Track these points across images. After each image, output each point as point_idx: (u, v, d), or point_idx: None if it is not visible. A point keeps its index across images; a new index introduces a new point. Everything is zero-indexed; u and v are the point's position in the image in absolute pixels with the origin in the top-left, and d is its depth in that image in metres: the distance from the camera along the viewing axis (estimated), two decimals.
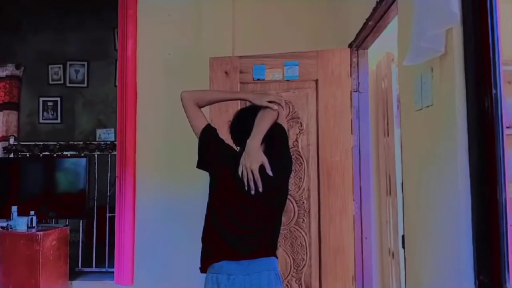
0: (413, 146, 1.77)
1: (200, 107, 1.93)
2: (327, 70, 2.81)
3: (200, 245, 1.84)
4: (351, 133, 2.81)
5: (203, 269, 1.80)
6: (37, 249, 3.34)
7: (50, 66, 5.91)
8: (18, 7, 5.62)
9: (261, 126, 1.82)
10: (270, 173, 1.76)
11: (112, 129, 5.33)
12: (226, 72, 2.91)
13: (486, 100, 1.30)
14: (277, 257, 1.84)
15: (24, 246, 3.38)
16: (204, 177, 1.90)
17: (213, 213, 1.83)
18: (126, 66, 3.52)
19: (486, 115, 1.30)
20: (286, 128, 1.96)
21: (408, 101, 1.76)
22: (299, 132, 2.82)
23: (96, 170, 4.08)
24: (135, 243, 3.46)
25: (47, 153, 4.30)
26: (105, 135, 5.52)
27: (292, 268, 2.79)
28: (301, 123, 2.82)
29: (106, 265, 3.88)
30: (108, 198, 4.06)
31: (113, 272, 3.53)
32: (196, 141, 1.88)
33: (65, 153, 4.27)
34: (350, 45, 2.86)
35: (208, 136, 1.86)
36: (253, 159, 1.75)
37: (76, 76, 5.93)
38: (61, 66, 5.90)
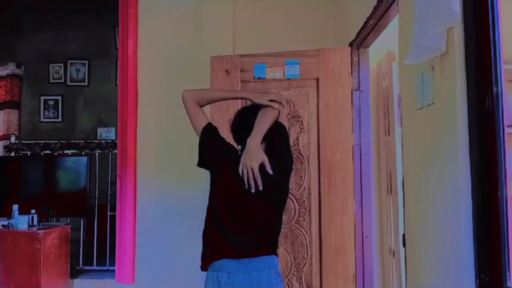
0: (414, 145, 1.77)
1: (201, 106, 1.92)
2: (328, 68, 2.81)
3: (201, 243, 1.84)
4: (352, 132, 2.81)
5: (204, 267, 1.81)
6: (38, 248, 3.34)
7: (51, 65, 5.91)
8: (19, 6, 5.62)
9: (261, 125, 1.82)
10: (271, 172, 1.76)
11: (113, 128, 5.33)
12: (226, 71, 2.91)
13: (487, 98, 1.30)
14: (277, 256, 1.84)
15: (25, 245, 3.38)
16: (204, 175, 1.90)
17: (213, 212, 1.83)
18: (127, 65, 3.52)
19: (487, 113, 1.30)
20: (287, 127, 1.96)
21: (409, 99, 1.76)
22: (300, 130, 2.82)
23: (97, 168, 4.09)
24: (136, 241, 3.46)
25: (48, 151, 4.31)
26: (106, 133, 5.52)
27: (293, 266, 2.79)
28: (301, 121, 2.82)
29: (107, 264, 3.89)
30: (109, 196, 4.07)
31: (114, 270, 3.54)
32: (197, 139, 1.88)
33: (66, 151, 4.27)
34: (351, 44, 2.86)
35: (208, 134, 1.86)
36: (253, 157, 1.75)
37: (77, 75, 5.93)
38: (62, 65, 5.90)
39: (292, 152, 2.17)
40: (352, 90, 2.82)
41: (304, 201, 2.80)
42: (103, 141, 4.46)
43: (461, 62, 1.36)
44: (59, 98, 5.91)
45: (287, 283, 2.76)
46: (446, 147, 1.43)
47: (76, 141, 4.47)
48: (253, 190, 1.75)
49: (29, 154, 4.38)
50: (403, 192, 1.92)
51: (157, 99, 3.49)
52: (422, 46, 1.43)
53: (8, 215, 3.61)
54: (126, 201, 3.46)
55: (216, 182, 1.85)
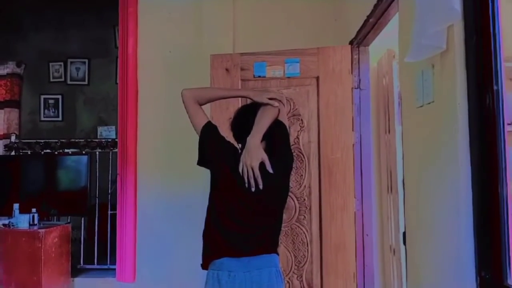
0: (414, 143, 1.77)
1: (201, 104, 1.92)
2: (328, 67, 2.81)
3: (201, 242, 1.85)
4: (352, 130, 2.81)
5: (204, 266, 1.81)
6: (39, 247, 3.35)
7: (51, 64, 5.90)
8: (19, 5, 5.61)
9: (261, 123, 1.82)
10: (270, 170, 1.76)
11: (113, 127, 5.33)
12: (226, 69, 2.91)
13: (487, 96, 1.30)
14: (278, 254, 1.85)
15: (26, 244, 3.38)
16: (205, 174, 1.90)
17: (214, 210, 1.83)
18: (127, 63, 3.52)
19: (487, 111, 1.30)
20: (287, 125, 1.96)
21: (409, 98, 1.76)
22: (300, 129, 2.82)
23: (97, 167, 4.08)
24: (136, 240, 3.47)
25: (48, 150, 4.30)
26: (106, 132, 5.52)
27: (294, 265, 2.80)
28: (302, 120, 2.82)
29: (108, 262, 3.89)
30: (109, 195, 4.07)
31: (115, 269, 3.54)
32: (197, 138, 1.88)
33: (66, 150, 4.27)
34: (351, 42, 2.86)
35: (208, 133, 1.86)
36: (253, 156, 1.75)
37: (77, 74, 5.93)
38: (62, 63, 5.90)
39: (293, 151, 2.17)
40: (352, 88, 2.82)
41: (304, 199, 2.80)
42: (103, 140, 4.46)
43: (461, 60, 1.36)
44: (59, 97, 5.91)
45: (288, 282, 2.77)
46: (447, 145, 1.43)
47: (76, 140, 4.46)
48: (253, 189, 1.74)
49: (29, 153, 4.37)
50: (404, 190, 1.93)
51: (157, 98, 3.49)
52: (423, 44, 1.43)
53: (9, 214, 3.61)
54: (126, 200, 3.47)
55: (216, 181, 1.85)
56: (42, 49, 5.79)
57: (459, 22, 1.36)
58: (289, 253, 2.80)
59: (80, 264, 3.97)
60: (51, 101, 5.92)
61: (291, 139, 2.59)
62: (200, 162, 1.88)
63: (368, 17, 2.41)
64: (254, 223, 1.81)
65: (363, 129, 2.85)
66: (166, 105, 3.38)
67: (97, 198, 4.09)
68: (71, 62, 5.91)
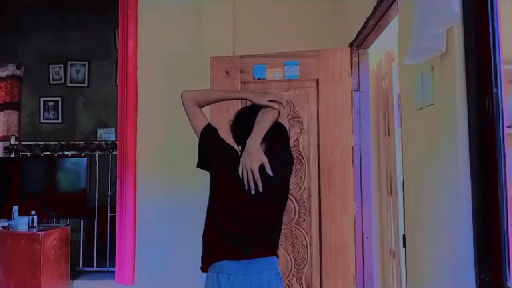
0: (414, 146, 1.77)
1: (201, 106, 1.92)
2: (327, 69, 2.81)
3: (201, 244, 1.84)
4: (352, 133, 2.81)
5: (204, 269, 1.80)
6: (38, 249, 3.34)
7: (50, 66, 5.91)
8: (19, 7, 5.62)
9: (261, 126, 1.81)
10: (270, 173, 1.76)
11: (113, 129, 5.33)
12: (226, 72, 2.91)
13: (487, 99, 1.30)
14: (278, 257, 1.84)
15: (25, 246, 3.38)
16: (204, 176, 1.90)
17: (213, 213, 1.83)
18: (127, 65, 3.52)
19: (487, 114, 1.30)
20: (287, 127, 1.96)
21: (409, 100, 1.76)
22: (300, 131, 2.82)
23: (97, 169, 4.08)
24: (136, 242, 3.46)
25: (48, 153, 4.30)
26: (105, 134, 5.52)
27: (293, 267, 2.79)
28: (301, 122, 2.82)
29: (107, 265, 3.88)
30: (109, 197, 4.07)
31: (114, 271, 3.54)
32: (197, 140, 1.88)
33: (66, 153, 4.27)
34: (350, 45, 2.86)
35: (208, 135, 1.86)
36: (253, 158, 1.74)
37: (77, 76, 5.93)
38: (61, 66, 5.90)
39: (292, 153, 2.17)
40: (352, 90, 2.82)
41: (304, 202, 2.80)
42: (103, 142, 4.46)
43: (461, 63, 1.36)
44: (59, 99, 5.92)
45: (287, 284, 2.76)
46: (446, 147, 1.43)
47: (76, 142, 4.47)
48: (253, 192, 1.74)
49: (29, 155, 4.37)
50: (403, 193, 1.92)
51: (157, 100, 3.49)
52: (422, 46, 1.43)
53: (8, 216, 3.60)
54: (126, 202, 3.46)
55: (216, 183, 1.84)
56: (42, 51, 5.80)
57: (458, 25, 1.36)
58: (289, 255, 2.79)
59: (80, 266, 3.97)
60: (51, 103, 5.92)
61: (291, 142, 2.59)
62: (200, 165, 1.88)
63: (368, 19, 2.41)
64: (254, 225, 1.80)
65: (363, 131, 2.85)
66: (166, 107, 3.38)
67: (96, 201, 4.09)
68: (71, 64, 5.91)
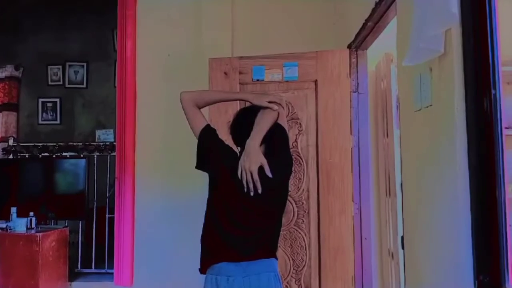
0: (413, 147, 1.77)
1: (200, 107, 1.91)
2: (326, 70, 2.82)
3: (200, 246, 1.84)
4: (351, 134, 2.81)
5: (203, 270, 1.80)
6: (37, 250, 3.34)
7: (49, 67, 5.90)
8: (18, 8, 5.62)
9: (260, 127, 1.80)
10: (270, 175, 1.75)
11: (112, 130, 5.33)
12: (225, 73, 2.92)
13: (485, 100, 1.30)
14: (277, 258, 1.84)
15: (24, 247, 3.37)
16: (203, 178, 1.90)
17: (212, 214, 1.82)
18: (126, 66, 3.52)
19: (485, 115, 1.30)
20: (286, 129, 1.95)
21: (407, 101, 1.76)
22: (299, 132, 2.82)
23: (95, 171, 4.08)
24: (134, 244, 3.46)
25: (46, 154, 4.30)
26: (104, 136, 5.52)
27: (292, 269, 2.79)
28: (300, 123, 2.82)
29: (106, 266, 3.87)
30: (107, 199, 4.06)
31: (112, 273, 3.53)
32: (196, 141, 1.87)
33: (64, 154, 4.26)
34: (349, 46, 2.87)
35: (207, 136, 1.86)
36: (252, 160, 1.74)
37: (76, 77, 5.92)
38: (60, 67, 5.90)
39: (292, 154, 2.17)
40: (350, 92, 2.82)
41: (302, 203, 2.80)
42: (101, 143, 4.46)
43: (459, 64, 1.36)
44: (58, 100, 5.91)
45: (286, 286, 2.76)
46: (445, 149, 1.43)
47: (74, 144, 4.46)
48: (252, 193, 1.73)
49: (27, 156, 4.37)
50: (402, 194, 1.92)
51: (155, 101, 3.49)
52: (420, 47, 1.43)
53: (6, 217, 3.60)
54: (124, 204, 3.46)
55: (215, 185, 1.84)
56: (41, 52, 5.79)
57: (457, 26, 1.36)
58: (287, 257, 2.79)
59: (78, 268, 3.96)
60: (49, 104, 5.91)
61: (290, 143, 2.58)
62: (199, 166, 1.87)
63: (366, 20, 2.42)
64: (253, 227, 1.80)
65: (361, 132, 2.85)
66: (165, 109, 3.38)
67: (95, 202, 4.09)
68: (70, 65, 5.91)
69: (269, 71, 2.86)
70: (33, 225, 3.50)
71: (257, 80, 2.88)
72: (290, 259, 2.79)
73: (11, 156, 4.41)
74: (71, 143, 4.46)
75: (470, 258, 1.32)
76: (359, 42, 2.74)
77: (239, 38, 3.37)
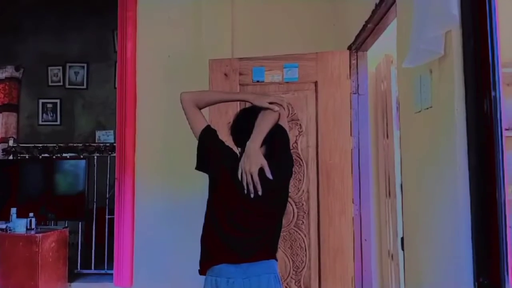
0: (413, 148, 1.77)
1: (200, 108, 1.91)
2: (326, 72, 2.82)
3: (199, 247, 1.83)
4: (351, 135, 2.81)
5: (202, 272, 1.80)
6: (36, 251, 3.34)
7: (49, 68, 5.91)
8: (18, 9, 5.62)
9: (261, 128, 1.80)
10: (270, 177, 1.74)
11: (112, 131, 5.34)
12: (225, 74, 2.92)
13: (485, 102, 1.30)
14: (277, 260, 1.83)
15: (23, 248, 3.37)
16: (203, 179, 1.89)
17: (212, 216, 1.82)
18: (126, 67, 3.52)
19: (485, 117, 1.30)
20: (287, 130, 1.93)
21: (407, 103, 1.76)
22: (299, 134, 2.82)
23: (95, 172, 4.08)
24: (134, 245, 3.46)
25: (46, 155, 4.30)
26: (104, 136, 5.53)
27: (292, 270, 2.79)
28: (300, 125, 2.82)
29: (105, 267, 3.87)
30: (107, 200, 4.06)
31: (112, 274, 3.53)
32: (196, 142, 1.87)
33: (64, 155, 4.27)
34: (349, 47, 2.87)
35: (207, 137, 1.85)
36: (253, 162, 1.73)
37: (76, 78, 5.93)
38: (60, 68, 5.91)
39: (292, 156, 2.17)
40: (350, 93, 2.83)
41: (302, 204, 2.80)
42: (101, 144, 4.46)
43: (459, 66, 1.36)
44: (58, 101, 5.91)
45: (286, 287, 2.76)
46: (445, 150, 1.43)
47: (74, 144, 4.47)
48: (252, 195, 1.73)
49: (27, 157, 4.37)
50: (402, 195, 1.92)
51: (155, 102, 3.49)
52: (420, 49, 1.43)
53: (6, 218, 3.60)
54: (124, 205, 3.46)
55: (215, 186, 1.83)
56: (41, 53, 5.80)
57: (457, 28, 1.36)
58: (287, 258, 2.79)
59: (78, 268, 3.96)
60: (49, 105, 5.92)
61: (290, 144, 2.59)
62: (199, 167, 1.87)
63: (367, 22, 2.42)
64: (253, 228, 1.79)
65: (361, 134, 2.85)
66: (165, 110, 3.38)
67: (95, 203, 4.09)
68: (70, 66, 5.92)
69: (269, 72, 2.86)
70: (33, 226, 3.51)
71: (257, 81, 2.88)
72: (290, 260, 2.79)
73: (11, 157, 4.41)
74: (71, 144, 4.47)
75: (470, 259, 1.32)
76: (359, 44, 2.74)
77: (239, 39, 3.37)
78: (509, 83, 2.01)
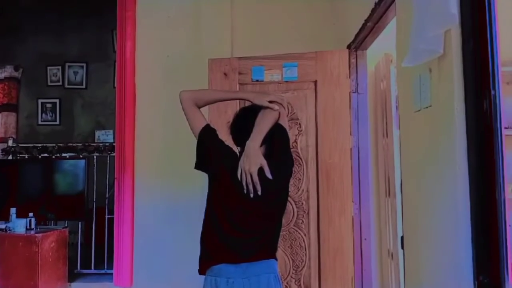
0: (412, 147, 1.77)
1: (199, 107, 1.90)
2: (326, 71, 2.82)
3: (199, 246, 1.83)
4: (350, 134, 2.81)
5: (202, 272, 1.79)
6: (36, 251, 3.33)
7: (48, 68, 5.91)
8: (18, 9, 5.62)
9: (261, 127, 1.79)
10: (270, 176, 1.74)
11: (111, 131, 5.33)
12: (225, 74, 2.92)
13: (484, 101, 1.30)
14: (276, 259, 1.83)
15: (23, 248, 3.37)
16: (203, 178, 1.89)
17: (212, 215, 1.81)
18: (125, 67, 3.52)
19: (484, 116, 1.30)
20: (287, 129, 1.92)
21: (407, 102, 1.76)
22: (298, 133, 2.82)
23: (95, 171, 4.08)
24: (134, 244, 3.45)
25: (45, 154, 4.30)
26: (103, 136, 5.52)
27: (292, 269, 2.79)
28: (300, 124, 2.82)
29: (105, 267, 3.87)
30: (107, 199, 4.06)
31: (112, 273, 3.53)
32: (195, 142, 1.86)
33: (63, 154, 4.26)
34: (348, 46, 2.87)
35: (207, 136, 1.85)
36: (252, 161, 1.72)
37: (75, 78, 5.93)
38: (59, 67, 5.90)
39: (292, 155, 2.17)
40: (350, 92, 2.83)
41: (302, 203, 2.80)
42: (101, 144, 4.46)
43: (458, 65, 1.36)
44: (57, 101, 5.91)
45: (286, 286, 2.76)
46: (444, 149, 1.43)
47: (74, 144, 4.46)
48: (252, 195, 1.72)
49: (26, 157, 4.36)
50: (402, 194, 1.92)
51: (155, 102, 3.49)
52: (420, 48, 1.43)
53: (6, 218, 3.60)
54: (124, 204, 3.46)
55: (214, 186, 1.83)
56: (40, 53, 5.80)
57: (456, 27, 1.36)
58: (287, 257, 2.79)
59: (77, 268, 3.96)
60: (48, 105, 5.92)
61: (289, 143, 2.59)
62: (198, 166, 1.86)
63: (366, 21, 2.42)
64: (253, 228, 1.79)
65: (361, 133, 2.85)
66: (164, 109, 3.38)
67: (94, 202, 4.08)
68: (69, 66, 5.91)
69: (269, 71, 2.86)
70: (33, 226, 3.50)
71: (257, 80, 2.88)
72: (290, 259, 2.79)
73: (10, 157, 4.40)
74: (71, 144, 4.46)
75: (469, 258, 1.32)
76: (358, 43, 2.74)
77: (238, 38, 3.37)
78: (508, 82, 2.02)
